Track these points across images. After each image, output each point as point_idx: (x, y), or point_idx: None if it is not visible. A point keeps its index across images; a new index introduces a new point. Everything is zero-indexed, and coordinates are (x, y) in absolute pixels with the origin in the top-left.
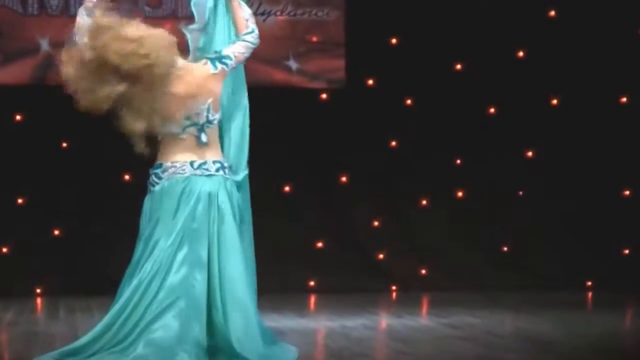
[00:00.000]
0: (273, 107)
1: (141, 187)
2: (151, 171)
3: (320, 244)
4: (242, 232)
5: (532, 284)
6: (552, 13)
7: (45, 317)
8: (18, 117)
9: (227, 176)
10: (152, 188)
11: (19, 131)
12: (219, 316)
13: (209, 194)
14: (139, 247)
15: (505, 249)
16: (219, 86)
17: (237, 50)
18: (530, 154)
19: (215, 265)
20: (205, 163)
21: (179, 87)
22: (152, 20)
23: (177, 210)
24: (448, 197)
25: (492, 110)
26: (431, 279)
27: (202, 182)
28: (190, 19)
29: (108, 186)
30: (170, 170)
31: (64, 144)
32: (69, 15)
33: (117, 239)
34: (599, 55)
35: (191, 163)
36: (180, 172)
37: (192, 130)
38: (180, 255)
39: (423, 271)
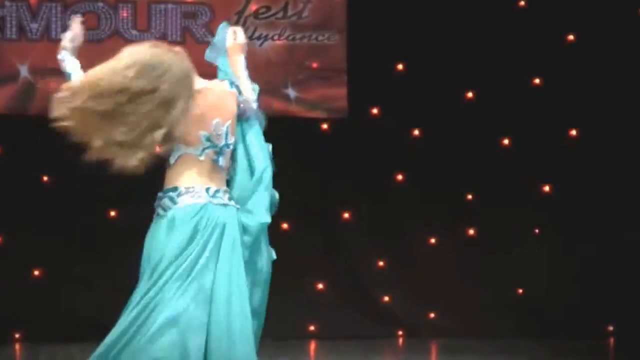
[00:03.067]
0: (270, 138)
1: (128, 225)
2: (163, 194)
3: (320, 286)
4: (249, 268)
5: (548, 330)
6: (571, 37)
7: None
8: None
9: (237, 207)
10: (163, 212)
11: None
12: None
13: (224, 226)
14: (146, 274)
15: (520, 291)
16: (235, 106)
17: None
18: (546, 189)
19: (221, 299)
20: (218, 191)
21: (197, 106)
22: None
23: (190, 239)
24: (458, 235)
25: (505, 142)
26: (440, 324)
27: (218, 211)
28: (179, 43)
29: (93, 223)
30: (186, 196)
31: (45, 178)
32: (50, 40)
33: (103, 281)
34: (622, 82)
35: (207, 189)
36: (197, 198)
37: (210, 153)
38: (185, 290)
39: (432, 315)
